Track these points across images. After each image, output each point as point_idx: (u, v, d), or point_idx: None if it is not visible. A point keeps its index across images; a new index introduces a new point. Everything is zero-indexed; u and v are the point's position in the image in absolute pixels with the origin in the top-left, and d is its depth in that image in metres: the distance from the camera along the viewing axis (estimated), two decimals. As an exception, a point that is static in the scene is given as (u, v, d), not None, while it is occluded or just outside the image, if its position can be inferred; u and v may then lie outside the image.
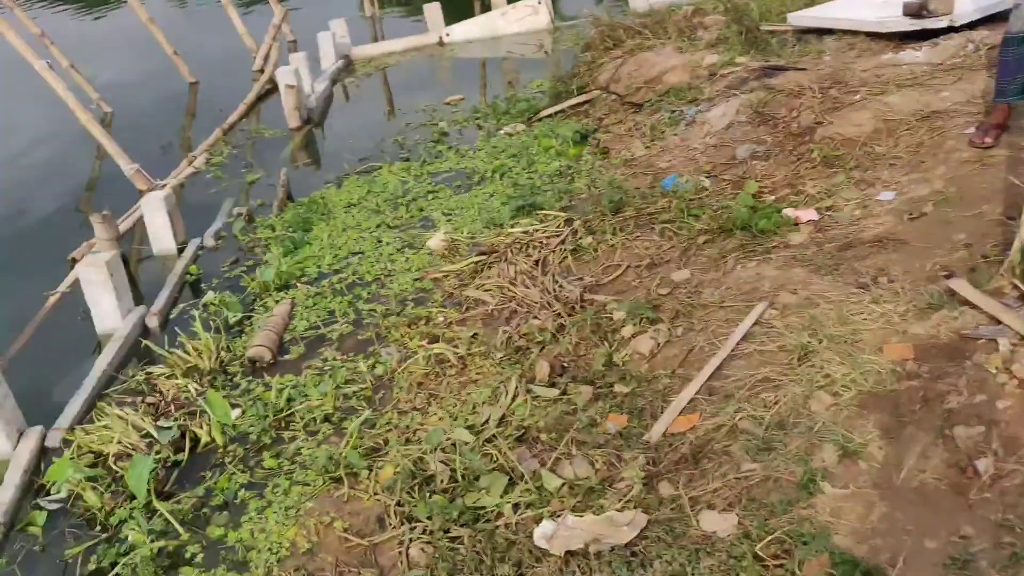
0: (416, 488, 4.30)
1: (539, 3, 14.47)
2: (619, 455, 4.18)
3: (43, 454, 5.38)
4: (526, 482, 4.18)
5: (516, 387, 4.92)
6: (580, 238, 6.52)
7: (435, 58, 14.25)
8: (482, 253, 6.65)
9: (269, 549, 4.22)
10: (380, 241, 7.37)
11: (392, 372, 5.47)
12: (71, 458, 4.97)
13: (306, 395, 5.39)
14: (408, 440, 4.76)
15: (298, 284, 6.88)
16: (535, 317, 5.66)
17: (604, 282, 5.96)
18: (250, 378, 5.75)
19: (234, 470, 4.85)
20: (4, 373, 5.47)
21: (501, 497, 4.12)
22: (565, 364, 5.12)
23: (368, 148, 10.05)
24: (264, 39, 14.74)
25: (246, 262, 7.55)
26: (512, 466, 4.29)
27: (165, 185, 9.28)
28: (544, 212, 7.04)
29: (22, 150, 12.35)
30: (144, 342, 6.36)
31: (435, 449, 4.51)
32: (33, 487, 5.07)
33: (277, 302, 6.61)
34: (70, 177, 11.04)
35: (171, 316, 6.87)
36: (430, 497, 4.19)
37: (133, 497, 4.67)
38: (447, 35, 14.74)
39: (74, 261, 8.03)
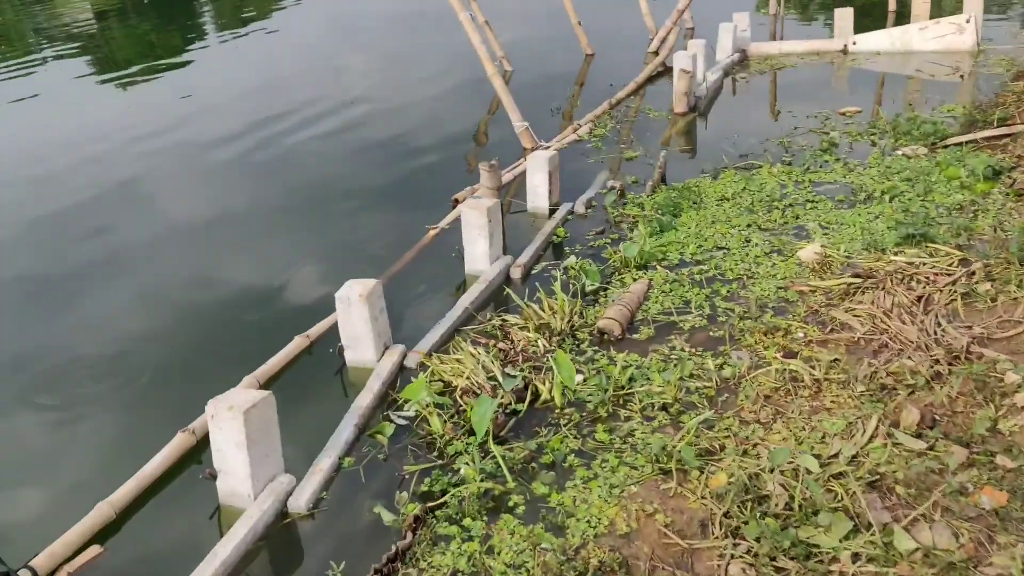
0: (747, 504, 4.07)
1: (967, 22, 13.17)
2: (992, 535, 3.65)
3: (400, 371, 5.79)
4: (873, 533, 3.79)
5: (876, 427, 4.49)
6: (976, 282, 5.82)
7: (834, 66, 13.49)
8: (857, 275, 6.18)
9: (588, 521, 4.19)
10: (748, 241, 7.10)
11: (740, 377, 5.23)
12: (427, 381, 5.28)
13: (648, 378, 5.31)
14: (746, 452, 4.52)
15: (658, 266, 6.82)
16: (908, 357, 5.14)
17: (997, 337, 5.27)
18: (596, 348, 5.78)
19: (567, 434, 4.89)
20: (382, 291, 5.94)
21: (840, 541, 3.77)
22: (937, 417, 4.59)
23: (749, 145, 9.76)
24: (664, 22, 14.81)
25: (611, 235, 7.62)
26: (859, 512, 3.91)
27: (549, 147, 9.64)
28: (935, 246, 6.38)
29: (431, 94, 13.45)
30: (506, 290, 6.64)
31: (775, 469, 4.24)
32: (387, 399, 5.47)
33: (635, 279, 6.59)
34: (462, 124, 11.84)
35: (532, 271, 7.11)
36: (762, 518, 3.94)
37: (472, 433, 4.87)
38: (853, 43, 13.89)
39: (456, 202, 8.58)
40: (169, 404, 5.70)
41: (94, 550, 4.38)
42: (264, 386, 5.70)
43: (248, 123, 12.27)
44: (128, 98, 14.93)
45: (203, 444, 5.07)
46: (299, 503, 4.55)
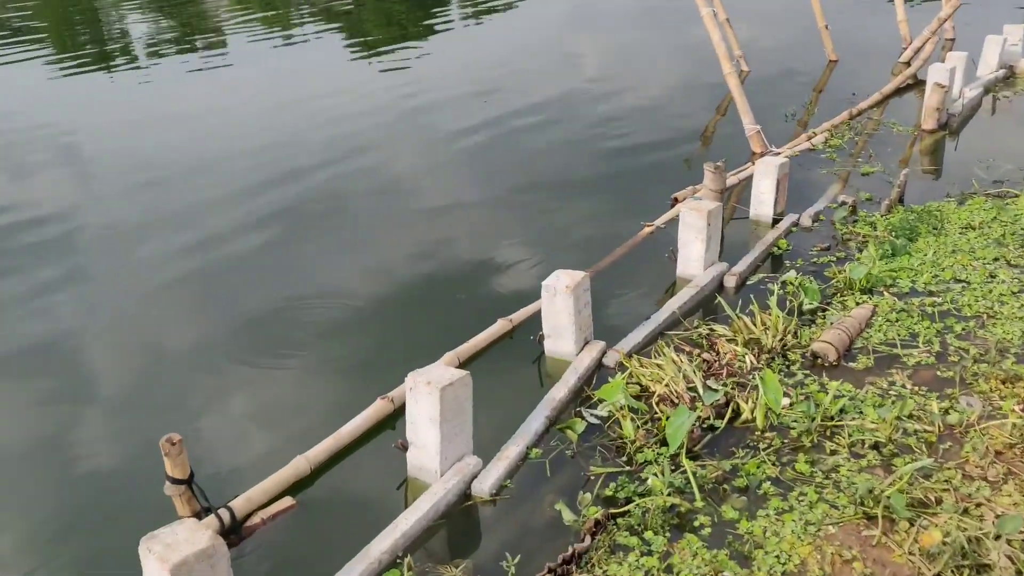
0: (964, 572, 3.66)
1: None
2: None
3: (597, 368, 5.68)
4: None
5: None
6: None
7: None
8: (1122, 331, 5.46)
9: (777, 556, 3.93)
10: (993, 276, 6.44)
11: (967, 426, 4.74)
12: (625, 383, 5.14)
13: (861, 412, 4.92)
14: (967, 511, 4.07)
15: (885, 292, 6.32)
16: None
17: None
18: (807, 372, 5.43)
19: (766, 459, 4.61)
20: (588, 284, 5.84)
21: (1072, 631, 3.32)
22: None
23: (1006, 171, 8.91)
24: (922, 31, 13.79)
25: (837, 252, 7.16)
26: (1098, 601, 3.43)
27: (779, 153, 9.20)
28: None
29: (662, 89, 13.22)
30: (717, 298, 6.37)
31: (1001, 537, 3.79)
32: (581, 395, 5.38)
33: (858, 304, 6.14)
34: (690, 122, 11.53)
35: (748, 281, 6.79)
36: (979, 588, 3.54)
37: (664, 443, 4.69)
38: None
39: (676, 201, 8.35)
40: (373, 369, 5.88)
41: (286, 501, 4.57)
42: (463, 364, 5.77)
43: (479, 108, 12.56)
44: (371, 77, 15.61)
45: (399, 413, 5.17)
46: (483, 487, 4.55)
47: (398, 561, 4.08)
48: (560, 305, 5.63)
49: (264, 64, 16.69)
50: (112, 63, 17.53)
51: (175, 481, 4.37)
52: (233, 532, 4.35)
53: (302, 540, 4.38)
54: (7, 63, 17.50)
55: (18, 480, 5.14)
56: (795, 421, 4.89)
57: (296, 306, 6.91)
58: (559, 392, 5.29)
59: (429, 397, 4.46)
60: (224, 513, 4.36)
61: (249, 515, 4.46)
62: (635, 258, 7.31)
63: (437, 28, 19.86)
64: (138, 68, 16.88)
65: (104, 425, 5.59)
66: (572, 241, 7.87)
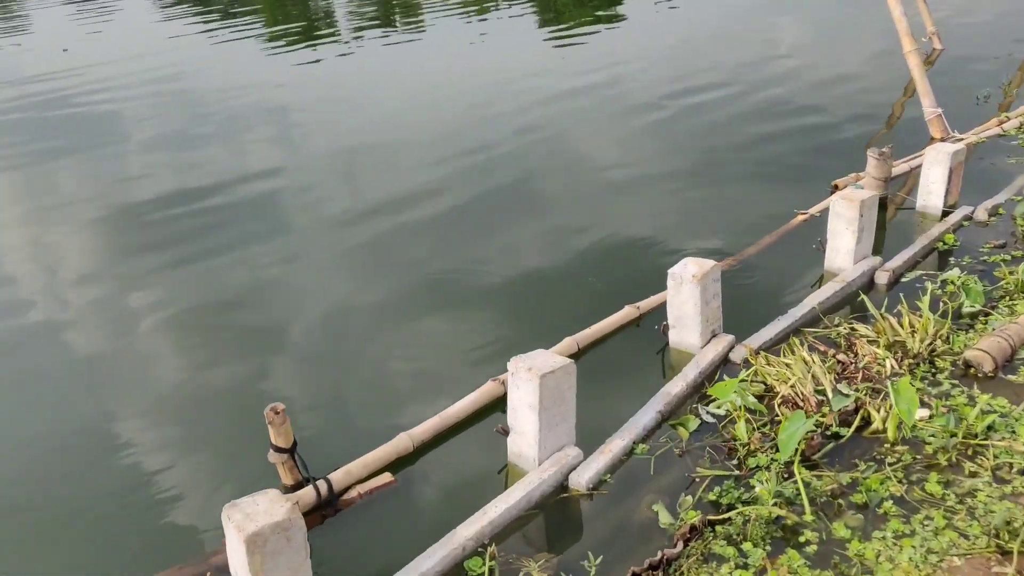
0: (1105, 623, 3.19)
1: None
2: None
3: (723, 363, 5.38)
4: None
5: None
6: None
7: None
8: None
9: (888, 584, 3.57)
10: None
11: None
12: (742, 380, 4.83)
13: (1013, 431, 4.39)
14: (1123, 555, 3.55)
15: (1063, 299, 5.64)
16: None
17: None
18: (956, 382, 4.90)
19: (892, 475, 4.19)
20: (722, 273, 5.53)
21: None
22: None
23: None
24: None
25: (1013, 251, 6.43)
26: None
27: (962, 139, 8.43)
28: None
29: (847, 66, 12.48)
30: (862, 296, 5.88)
31: None
32: (701, 390, 5.10)
33: (1028, 310, 5.51)
34: (870, 102, 10.83)
35: (902, 278, 6.23)
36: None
37: (778, 448, 4.36)
38: None
39: (835, 188, 7.82)
40: (491, 347, 5.83)
41: (386, 477, 4.58)
42: (583, 351, 5.61)
43: (663, 83, 12.38)
44: (561, 54, 15.59)
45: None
46: (580, 480, 4.38)
47: (481, 549, 3.99)
48: (686, 295, 5.35)
49: (460, 38, 17.17)
50: (317, 38, 18.44)
51: (278, 450, 4.47)
52: (329, 504, 4.41)
53: (394, 518, 4.38)
54: (224, 41, 18.67)
55: (211, 414, 5.49)
56: (932, 436, 4.42)
57: (445, 273, 7.06)
58: (676, 387, 5.04)
59: (529, 384, 4.34)
60: (322, 485, 4.42)
61: (347, 488, 4.50)
62: (784, 247, 6.90)
63: (627, 9, 19.63)
64: (340, 42, 17.76)
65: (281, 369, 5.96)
66: (721, 224, 7.54)
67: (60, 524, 4.59)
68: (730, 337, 5.48)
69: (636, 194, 8.52)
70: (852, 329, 5.49)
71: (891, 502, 4.03)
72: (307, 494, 4.37)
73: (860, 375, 4.97)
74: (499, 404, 5.14)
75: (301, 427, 4.81)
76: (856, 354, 5.20)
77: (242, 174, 9.82)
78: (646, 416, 4.80)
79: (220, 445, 5.18)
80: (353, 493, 4.48)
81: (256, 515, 3.49)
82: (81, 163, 10.74)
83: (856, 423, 4.58)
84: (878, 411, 4.61)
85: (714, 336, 5.49)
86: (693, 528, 3.96)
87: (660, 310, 5.94)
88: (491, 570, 3.88)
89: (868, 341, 5.31)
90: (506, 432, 4.60)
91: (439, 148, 10.21)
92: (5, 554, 4.42)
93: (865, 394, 4.77)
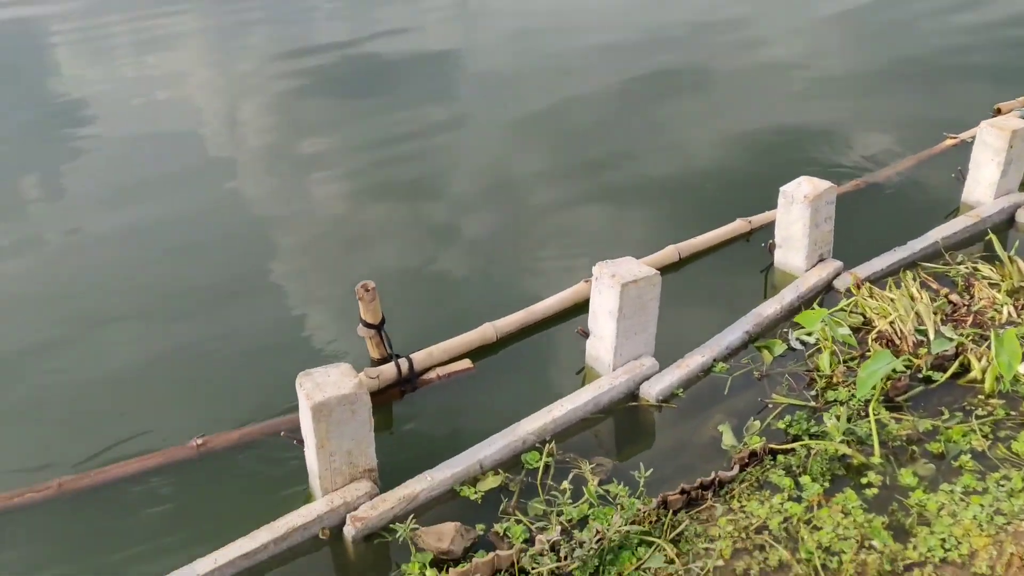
0: None
1: None
2: None
3: (826, 290, 5.18)
4: None
5: None
6: None
7: None
8: None
9: (942, 539, 3.44)
10: None
11: None
12: (840, 310, 4.64)
13: None
14: None
15: None
16: None
17: None
18: (1078, 338, 4.56)
19: (977, 428, 4.00)
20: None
21: None
22: None
23: None
24: None
25: None
26: None
27: None
28: None
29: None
30: (990, 235, 5.47)
31: None
32: (794, 315, 4.92)
33: None
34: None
35: (1049, 220, 5.77)
36: None
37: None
38: None
39: (998, 112, 7.23)
40: (602, 244, 5.76)
41: (465, 363, 4.71)
42: (686, 260, 5.51)
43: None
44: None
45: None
46: (651, 391, 4.38)
47: (540, 445, 4.08)
48: (795, 215, 5.14)
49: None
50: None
51: (367, 325, 4.66)
52: (408, 382, 4.58)
53: (466, 404, 4.51)
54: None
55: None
56: (1033, 392, 4.17)
57: (587, 163, 7.15)
58: (769, 308, 4.91)
59: (611, 291, 4.32)
60: (403, 363, 4.59)
61: (427, 369, 4.66)
62: (920, 173, 6.46)
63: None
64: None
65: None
66: (872, 140, 7.14)
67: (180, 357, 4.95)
68: (837, 263, 5.26)
69: (805, 98, 8.36)
70: (974, 269, 5.15)
71: (969, 456, 3.86)
72: (389, 370, 4.56)
73: (971, 319, 4.70)
74: (587, 306, 5.14)
75: (395, 303, 4.88)
76: (972, 296, 4.90)
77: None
78: (732, 335, 4.72)
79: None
80: (432, 375, 4.63)
81: (326, 385, 3.68)
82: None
83: (953, 369, 4.35)
84: (979, 360, 4.36)
85: (821, 260, 5.28)
86: (753, 454, 3.92)
87: (772, 227, 5.73)
88: (547, 466, 3.97)
89: (989, 284, 4.98)
90: (586, 334, 4.62)
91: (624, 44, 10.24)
92: (120, 371, 4.81)
93: (970, 339, 4.51)
